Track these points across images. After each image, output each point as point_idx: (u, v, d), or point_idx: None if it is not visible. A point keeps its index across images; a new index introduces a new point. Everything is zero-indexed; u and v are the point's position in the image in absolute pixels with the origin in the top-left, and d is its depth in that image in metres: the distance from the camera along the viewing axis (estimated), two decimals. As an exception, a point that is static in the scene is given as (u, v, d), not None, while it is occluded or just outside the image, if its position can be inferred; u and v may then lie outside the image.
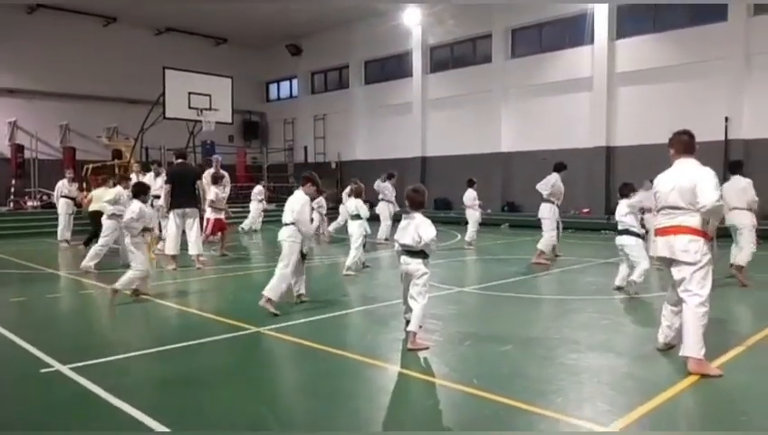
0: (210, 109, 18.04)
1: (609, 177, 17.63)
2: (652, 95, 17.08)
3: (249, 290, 8.68)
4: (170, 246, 10.06)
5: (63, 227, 14.33)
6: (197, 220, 10.20)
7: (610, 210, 16.38)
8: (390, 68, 24.36)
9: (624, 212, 7.50)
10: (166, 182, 10.36)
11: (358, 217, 9.63)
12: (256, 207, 17.79)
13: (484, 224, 16.19)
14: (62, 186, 14.71)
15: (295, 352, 5.19)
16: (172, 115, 17.55)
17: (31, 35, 21.33)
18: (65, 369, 4.56)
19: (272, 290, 6.42)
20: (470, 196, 13.74)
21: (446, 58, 22.53)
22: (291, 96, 29.20)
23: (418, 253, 5.14)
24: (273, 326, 5.84)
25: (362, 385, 4.33)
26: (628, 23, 17.56)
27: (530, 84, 19.70)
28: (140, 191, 7.64)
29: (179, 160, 10.56)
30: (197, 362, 4.93)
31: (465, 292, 7.84)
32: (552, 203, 10.51)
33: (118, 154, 21.24)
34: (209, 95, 18.04)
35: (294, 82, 28.74)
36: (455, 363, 4.82)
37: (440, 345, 5.35)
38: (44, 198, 20.25)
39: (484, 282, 8.13)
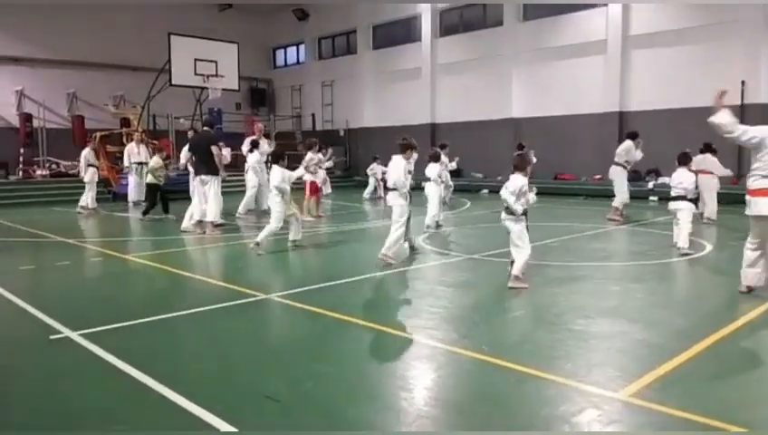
0: (216, 75, 17.88)
1: (621, 142, 17.34)
2: (666, 59, 16.68)
3: (253, 259, 8.70)
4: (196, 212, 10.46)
5: (94, 195, 14.68)
6: (215, 186, 10.37)
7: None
8: (399, 32, 23.92)
9: (691, 180, 7.97)
10: (188, 150, 10.88)
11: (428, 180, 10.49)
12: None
13: (494, 191, 16.08)
14: (89, 154, 14.85)
15: (303, 318, 5.18)
16: (178, 82, 17.42)
17: (34, 2, 21.09)
18: (75, 335, 4.58)
19: (388, 249, 7.27)
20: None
21: (456, 22, 22.08)
22: (298, 62, 28.85)
23: (508, 210, 6.05)
24: (282, 293, 5.84)
25: (373, 352, 4.32)
26: (643, -17, 17.07)
27: (542, 48, 19.31)
28: (280, 157, 8.67)
29: (204, 129, 11.10)
30: (208, 328, 4.94)
31: (475, 259, 7.79)
32: (624, 167, 11.39)
33: (126, 122, 21.17)
34: (215, 61, 17.86)
35: (301, 47, 28.35)
36: (464, 330, 4.79)
37: (450, 312, 5.33)
38: (53, 166, 20.30)
39: (492, 249, 8.07)
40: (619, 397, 3.33)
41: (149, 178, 12.58)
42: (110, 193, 17.75)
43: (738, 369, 3.91)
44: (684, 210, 7.93)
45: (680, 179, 8.00)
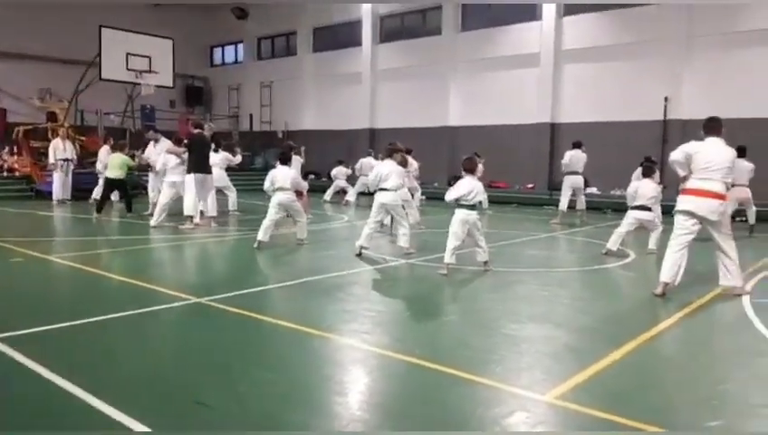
0: (150, 71, 17.33)
1: (553, 153, 17.98)
2: (596, 73, 17.45)
3: (193, 260, 8.51)
4: (189, 207, 10.75)
5: (60, 187, 15.04)
6: (211, 182, 11.25)
7: (553, 186, 16.90)
8: (340, 36, 23.94)
9: (655, 192, 8.80)
10: (186, 146, 10.92)
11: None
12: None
13: (431, 197, 16.36)
14: (58, 146, 15.16)
15: (235, 323, 5.10)
16: (109, 77, 16.77)
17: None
18: (-9, 340, 4.33)
19: (406, 242, 8.25)
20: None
21: (396, 28, 22.31)
22: (236, 61, 28.40)
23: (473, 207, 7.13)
24: (215, 297, 5.73)
25: (306, 356, 4.29)
26: None
27: (479, 58, 19.78)
28: (288, 159, 9.18)
29: (197, 130, 11.19)
30: (136, 332, 4.78)
31: (411, 264, 7.89)
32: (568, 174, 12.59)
33: (52, 117, 20.18)
34: (149, 57, 17.31)
35: (240, 47, 27.93)
36: (398, 334, 4.85)
37: (385, 316, 5.37)
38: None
39: (428, 254, 8.20)
40: (546, 399, 3.45)
41: (113, 174, 12.35)
42: (32, 190, 16.88)
43: (658, 372, 4.12)
44: (653, 220, 8.79)
45: (646, 191, 8.74)
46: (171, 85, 19.05)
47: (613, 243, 8.64)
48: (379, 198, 8.17)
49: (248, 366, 3.97)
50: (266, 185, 9.00)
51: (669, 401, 3.57)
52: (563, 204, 12.71)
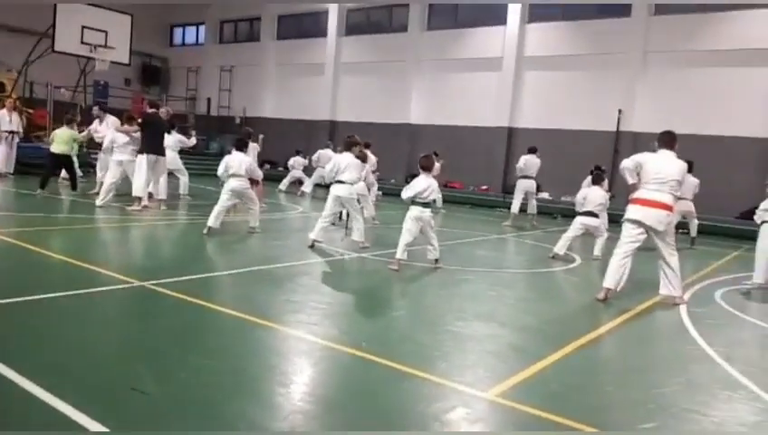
0: (105, 46, 16.76)
1: (508, 157, 18.26)
2: (555, 82, 17.80)
3: (138, 242, 8.28)
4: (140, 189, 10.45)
5: (4, 160, 14.38)
6: (163, 164, 10.88)
7: (507, 189, 17.18)
8: (305, 26, 23.71)
9: (603, 199, 9.14)
10: (139, 125, 10.58)
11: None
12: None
13: (388, 193, 16.39)
14: (4, 117, 14.49)
15: (179, 309, 4.98)
16: (62, 49, 16.16)
17: None
18: None
19: (359, 233, 8.28)
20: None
21: (362, 22, 22.23)
22: (197, 43, 27.78)
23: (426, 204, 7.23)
24: (159, 281, 5.58)
25: (251, 345, 4.23)
26: (539, 7, 18.07)
27: (442, 58, 19.90)
28: (245, 145, 9.12)
29: (152, 110, 10.88)
30: (74, 315, 4.61)
31: (363, 257, 7.88)
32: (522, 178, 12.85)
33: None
34: (105, 31, 16.75)
35: (202, 28, 27.33)
36: (345, 327, 4.83)
37: (333, 309, 5.35)
38: None
39: (381, 249, 8.21)
40: (487, 396, 3.49)
41: (59, 149, 11.80)
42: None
43: (596, 374, 4.23)
44: (599, 227, 9.13)
45: (595, 198, 9.07)
46: (127, 62, 18.47)
47: (560, 247, 8.84)
48: (335, 190, 8.11)
49: (189, 353, 3.88)
50: (220, 170, 8.84)
51: (605, 403, 3.66)
52: (515, 207, 12.93)
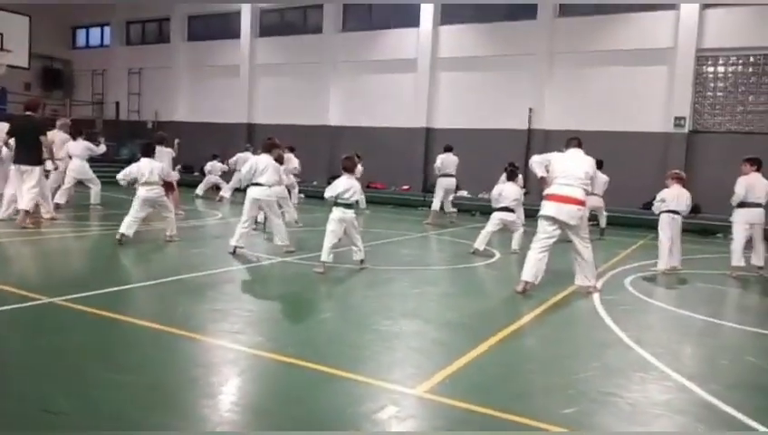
0: (1, 49, 15.68)
1: (427, 156, 18.54)
2: (469, 82, 18.25)
3: (50, 256, 7.82)
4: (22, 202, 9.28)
5: None
6: (37, 177, 9.30)
7: (427, 188, 17.48)
8: (217, 27, 23.10)
9: (518, 195, 9.40)
10: (8, 132, 9.50)
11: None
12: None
13: (310, 196, 16.27)
14: None
15: (92, 324, 4.72)
16: (-50, 52, 14.98)
17: None
18: None
19: (281, 237, 8.21)
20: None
21: (276, 23, 21.93)
22: (102, 45, 26.46)
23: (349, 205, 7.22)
24: (70, 296, 5.27)
25: (173, 358, 4.07)
26: (451, 9, 18.46)
27: (359, 60, 19.96)
28: (152, 150, 8.79)
29: (27, 113, 9.59)
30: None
31: (287, 262, 7.78)
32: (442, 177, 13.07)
33: None
34: (1, 34, 15.66)
35: (107, 29, 26.06)
36: (271, 333, 4.75)
37: (257, 315, 5.25)
38: None
39: (305, 252, 8.13)
40: (415, 393, 3.53)
41: None
42: None
43: (518, 364, 4.37)
44: (515, 221, 9.45)
45: (510, 193, 9.30)
46: (26, 66, 17.35)
47: (480, 242, 9.08)
48: (252, 193, 7.91)
49: (103, 370, 3.68)
50: (120, 175, 8.45)
51: (528, 390, 3.79)
52: (436, 204, 13.16)
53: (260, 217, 9.10)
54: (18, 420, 2.97)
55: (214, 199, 16.07)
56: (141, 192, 8.31)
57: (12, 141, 9.53)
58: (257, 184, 7.89)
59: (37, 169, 9.36)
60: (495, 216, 9.28)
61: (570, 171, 6.39)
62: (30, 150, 9.36)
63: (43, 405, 3.12)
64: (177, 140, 13.42)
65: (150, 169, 8.38)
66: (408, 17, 18.97)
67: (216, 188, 16.93)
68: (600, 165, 10.30)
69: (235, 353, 4.15)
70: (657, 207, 8.38)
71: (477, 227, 11.11)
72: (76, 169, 11.91)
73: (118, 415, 3.07)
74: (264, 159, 8.04)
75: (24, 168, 9.27)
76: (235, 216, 11.80)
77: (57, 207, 10.09)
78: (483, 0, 17.53)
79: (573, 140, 6.78)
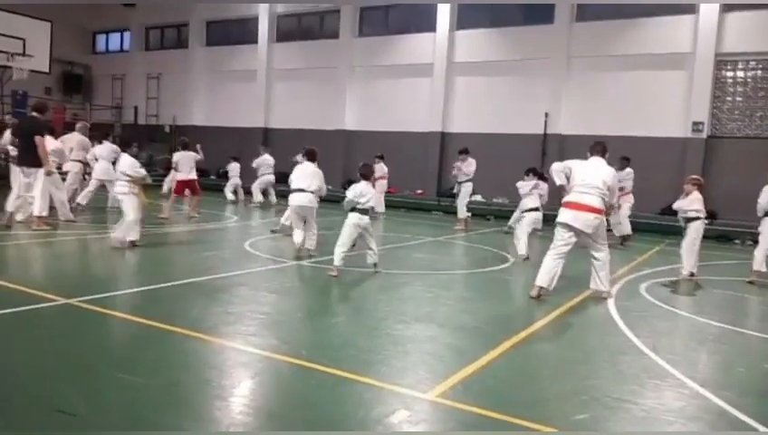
0: (23, 54, 15.98)
1: (442, 161, 18.53)
2: (485, 87, 18.19)
3: (66, 258, 7.92)
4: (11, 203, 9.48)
5: None
6: (41, 180, 9.18)
7: (441, 192, 17.44)
8: (235, 32, 23.29)
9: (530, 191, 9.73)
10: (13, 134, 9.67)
11: None
12: None
13: (324, 199, 16.29)
14: None
15: (107, 325, 4.79)
16: (-26, 57, 15.29)
17: None
18: None
19: (313, 242, 8.22)
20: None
21: (293, 29, 22.06)
22: (122, 50, 26.80)
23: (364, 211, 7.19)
24: (85, 298, 5.34)
25: (187, 360, 4.11)
26: (468, 14, 18.45)
27: (375, 65, 20.00)
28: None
29: (32, 114, 9.65)
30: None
31: (302, 265, 7.81)
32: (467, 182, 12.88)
33: None
34: (23, 39, 15.96)
35: (126, 35, 26.39)
36: (285, 336, 4.77)
37: (272, 318, 5.28)
38: None
39: (319, 256, 8.15)
40: (428, 397, 3.52)
41: None
42: None
43: (531, 369, 4.34)
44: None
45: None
46: (47, 71, 17.69)
47: (523, 247, 8.99)
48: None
49: (118, 371, 3.73)
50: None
51: (541, 396, 3.76)
52: (462, 211, 12.96)
53: (284, 220, 9.24)
54: (33, 421, 3.02)
55: (247, 204, 16.15)
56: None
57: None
58: (300, 190, 8.09)
59: (40, 172, 9.24)
60: (532, 215, 9.34)
61: (588, 180, 6.33)
62: (30, 152, 9.22)
63: (58, 405, 3.17)
64: (198, 145, 13.47)
65: (123, 165, 8.56)
66: (425, 22, 18.99)
67: (246, 192, 16.96)
68: (627, 161, 11.22)
69: (248, 356, 4.18)
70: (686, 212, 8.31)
71: (492, 231, 11.06)
72: (101, 171, 11.99)
73: (131, 416, 3.11)
74: (309, 167, 8.26)
75: (27, 170, 9.24)
76: (247, 219, 11.88)
77: (77, 208, 10.17)
78: (499, 0, 17.49)
79: (598, 145, 6.67)
